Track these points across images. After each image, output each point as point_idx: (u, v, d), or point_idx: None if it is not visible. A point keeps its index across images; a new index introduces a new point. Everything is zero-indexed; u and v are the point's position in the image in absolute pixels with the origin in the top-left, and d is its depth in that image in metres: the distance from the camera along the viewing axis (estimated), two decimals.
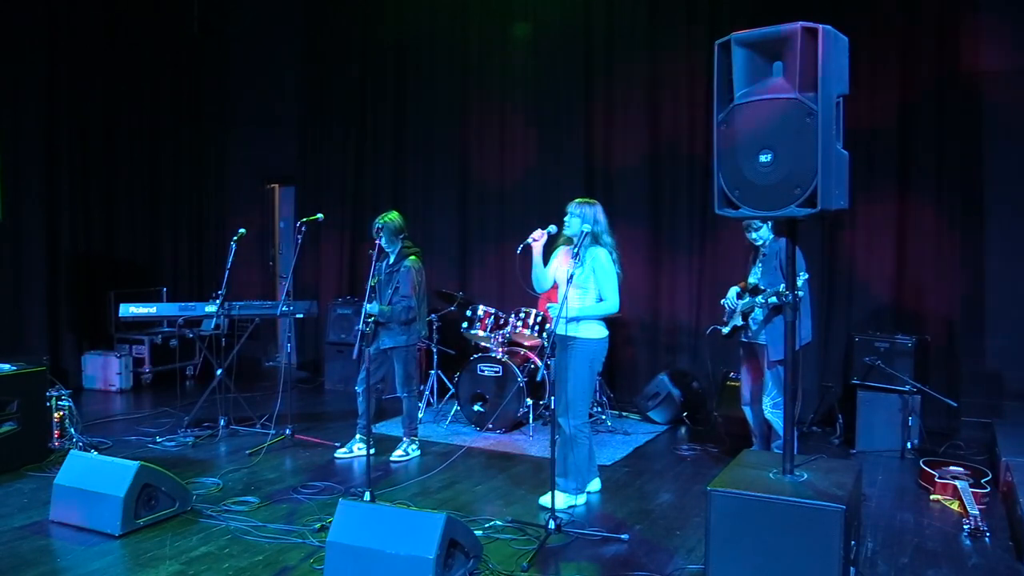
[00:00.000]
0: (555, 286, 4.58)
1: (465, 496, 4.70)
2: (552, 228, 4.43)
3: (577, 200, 4.46)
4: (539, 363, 6.27)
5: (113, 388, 7.68)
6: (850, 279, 6.38)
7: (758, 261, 5.01)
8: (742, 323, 5.00)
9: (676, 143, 6.97)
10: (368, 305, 4.92)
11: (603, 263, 4.36)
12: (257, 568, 3.63)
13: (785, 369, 3.41)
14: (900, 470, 5.22)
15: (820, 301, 6.22)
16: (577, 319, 4.33)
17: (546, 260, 4.58)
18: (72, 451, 4.50)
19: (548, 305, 4.46)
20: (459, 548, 3.37)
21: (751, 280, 5.01)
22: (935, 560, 3.76)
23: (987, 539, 3.97)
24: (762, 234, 4.94)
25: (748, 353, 5.08)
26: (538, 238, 4.42)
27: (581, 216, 4.37)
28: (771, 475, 3.25)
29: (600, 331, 4.44)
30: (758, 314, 4.90)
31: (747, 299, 4.93)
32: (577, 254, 4.35)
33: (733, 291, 5.09)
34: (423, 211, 8.07)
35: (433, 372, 6.94)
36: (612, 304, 4.37)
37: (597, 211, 4.42)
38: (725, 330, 5.16)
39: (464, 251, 7.99)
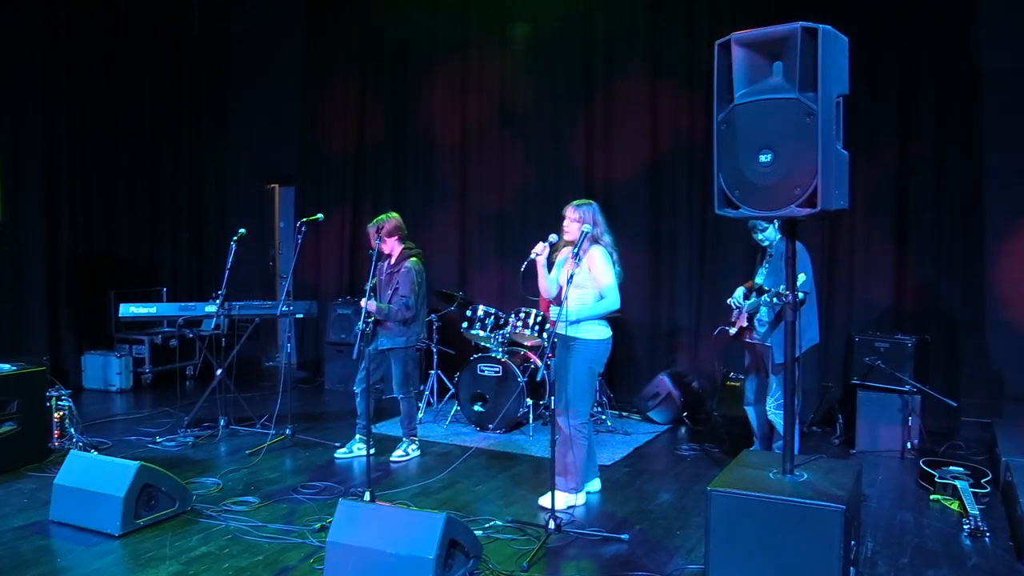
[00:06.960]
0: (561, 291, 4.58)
1: (465, 496, 4.70)
2: (553, 238, 4.42)
3: (574, 203, 4.46)
4: (539, 363, 6.27)
5: (113, 388, 7.69)
6: (850, 279, 6.39)
7: (764, 262, 5.00)
8: (747, 324, 5.00)
9: (676, 143, 6.97)
10: (367, 302, 4.93)
11: (599, 261, 4.35)
12: (257, 568, 3.63)
13: (786, 367, 3.40)
14: (900, 470, 5.22)
15: (820, 301, 6.20)
16: (578, 320, 4.33)
17: (550, 267, 4.57)
18: (72, 451, 4.50)
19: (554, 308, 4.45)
20: (459, 548, 3.37)
21: (757, 280, 5.00)
22: (935, 560, 3.76)
23: (987, 539, 3.96)
24: (768, 235, 4.92)
25: (753, 354, 5.08)
26: (540, 252, 4.40)
27: (580, 218, 4.38)
28: (771, 475, 3.25)
29: (602, 332, 4.43)
30: (763, 315, 4.89)
31: (753, 300, 4.93)
32: (577, 254, 4.36)
33: (740, 291, 5.08)
34: (423, 211, 8.07)
35: (433, 372, 6.93)
36: (612, 301, 4.35)
37: (595, 211, 4.42)
38: (733, 331, 5.15)
39: (464, 251, 7.99)
